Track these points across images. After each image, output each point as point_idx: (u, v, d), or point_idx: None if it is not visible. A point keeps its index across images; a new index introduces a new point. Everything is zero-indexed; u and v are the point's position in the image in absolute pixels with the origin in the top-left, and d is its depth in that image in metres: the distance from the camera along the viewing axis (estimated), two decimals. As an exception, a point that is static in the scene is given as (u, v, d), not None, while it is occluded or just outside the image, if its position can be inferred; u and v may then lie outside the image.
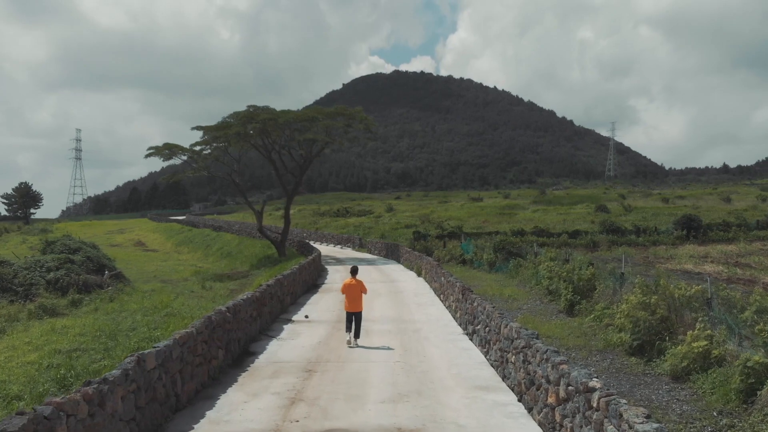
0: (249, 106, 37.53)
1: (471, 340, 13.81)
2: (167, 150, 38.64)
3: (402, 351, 12.83)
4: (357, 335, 13.80)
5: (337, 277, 28.89)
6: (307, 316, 17.15)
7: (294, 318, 17.03)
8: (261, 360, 12.10)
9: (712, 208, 58.64)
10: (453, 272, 28.03)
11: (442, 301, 19.96)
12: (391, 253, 38.95)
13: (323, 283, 26.27)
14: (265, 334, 14.61)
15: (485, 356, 12.14)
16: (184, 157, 38.95)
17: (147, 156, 38.84)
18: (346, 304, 13.95)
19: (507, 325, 10.34)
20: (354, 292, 13.87)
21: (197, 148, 39.22)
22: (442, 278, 20.18)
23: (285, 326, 15.85)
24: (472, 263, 31.82)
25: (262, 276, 35.84)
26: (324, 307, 19.32)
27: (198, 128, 38.85)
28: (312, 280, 25.91)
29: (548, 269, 21.06)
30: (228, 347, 11.60)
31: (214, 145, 39.76)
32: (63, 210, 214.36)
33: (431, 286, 23.59)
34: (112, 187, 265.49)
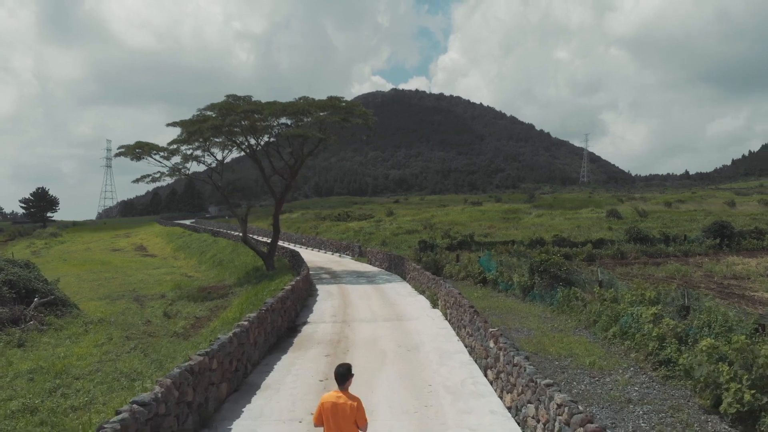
0: (228, 96, 27.41)
1: None
2: (138, 149, 28.64)
3: None
4: None
5: (327, 307, 19.00)
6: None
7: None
8: None
9: (723, 212, 48.60)
10: (472, 297, 18.28)
11: (490, 383, 10.13)
12: (395, 266, 29.11)
13: (305, 323, 16.27)
14: None
15: None
16: (157, 157, 28.85)
17: (116, 155, 28.94)
18: None
19: None
20: (341, 426, 4.24)
21: (173, 146, 29.24)
22: (491, 343, 10.26)
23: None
24: (496, 284, 22.02)
25: (241, 296, 26.00)
26: (287, 400, 9.39)
27: (173, 124, 28.90)
28: (289, 318, 16.00)
29: (655, 321, 11.29)
30: None
31: (197, 144, 29.89)
32: (99, 213, 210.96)
33: (461, 338, 13.68)
34: (142, 192, 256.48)
